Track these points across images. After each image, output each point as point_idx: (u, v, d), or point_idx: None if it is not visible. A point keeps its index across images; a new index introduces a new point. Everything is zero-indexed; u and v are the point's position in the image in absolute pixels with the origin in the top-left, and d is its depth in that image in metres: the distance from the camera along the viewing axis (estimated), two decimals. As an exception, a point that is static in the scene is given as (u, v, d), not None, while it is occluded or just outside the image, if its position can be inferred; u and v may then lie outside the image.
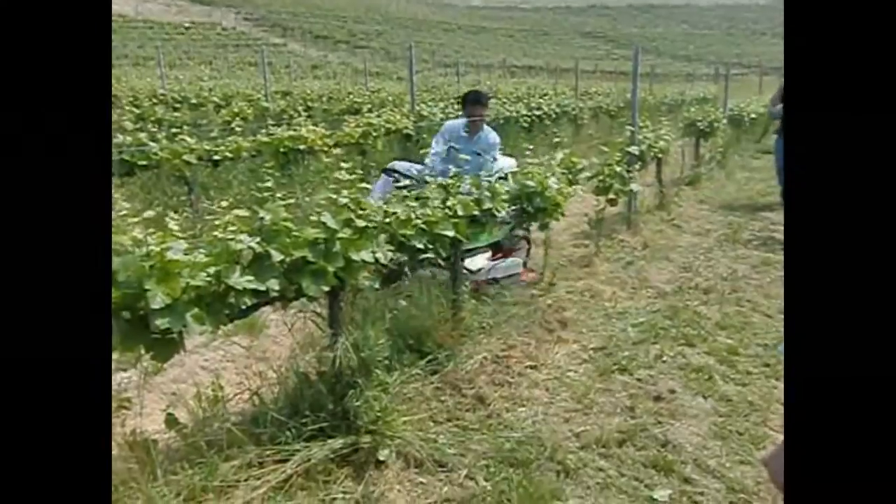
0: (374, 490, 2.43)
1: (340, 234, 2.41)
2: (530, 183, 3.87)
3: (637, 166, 5.48)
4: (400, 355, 3.16)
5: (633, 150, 5.45)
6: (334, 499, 2.38)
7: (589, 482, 2.51)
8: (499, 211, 3.53)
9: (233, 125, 6.95)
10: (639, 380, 3.32)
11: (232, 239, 2.09)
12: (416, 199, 3.14)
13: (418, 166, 4.42)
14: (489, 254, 4.54)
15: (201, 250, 2.02)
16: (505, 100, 11.77)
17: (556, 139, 6.45)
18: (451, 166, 3.78)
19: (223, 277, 2.02)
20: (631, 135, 5.66)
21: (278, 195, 2.46)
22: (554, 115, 10.85)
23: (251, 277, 2.11)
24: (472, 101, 4.78)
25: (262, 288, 2.15)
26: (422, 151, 4.48)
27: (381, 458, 2.54)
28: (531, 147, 4.79)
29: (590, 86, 18.84)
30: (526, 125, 9.74)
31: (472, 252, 4.27)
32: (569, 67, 24.74)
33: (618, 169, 5.09)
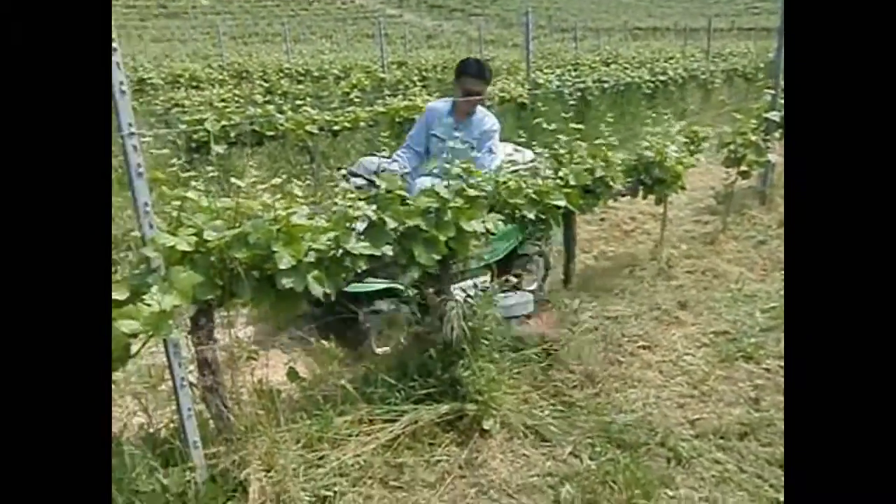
0: (477, 456, 2.47)
1: (452, 204, 2.42)
2: (648, 153, 3.66)
3: (777, 135, 4.98)
4: (509, 327, 3.17)
5: (774, 116, 4.93)
6: (438, 460, 2.44)
7: (703, 473, 2.39)
8: (613, 181, 3.37)
9: (351, 96, 7.18)
10: (766, 369, 3.08)
11: (350, 206, 2.17)
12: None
13: (386, 163, 3.29)
14: (486, 278, 3.36)
15: (322, 216, 2.11)
16: (626, 65, 11.19)
17: (683, 107, 6.03)
18: (423, 162, 2.96)
19: (341, 242, 2.11)
20: (772, 99, 5.13)
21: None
22: (680, 80, 10.14)
23: (367, 243, 2.17)
24: (466, 73, 3.40)
25: (377, 253, 2.22)
26: (535, 121, 4.19)
27: (486, 428, 2.57)
28: (653, 115, 4.48)
29: (724, 46, 17.39)
30: (648, 92, 9.20)
31: (463, 275, 3.15)
32: (700, 27, 22.97)
33: (753, 138, 4.66)
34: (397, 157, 3.45)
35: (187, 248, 1.70)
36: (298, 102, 5.71)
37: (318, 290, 2.04)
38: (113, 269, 1.69)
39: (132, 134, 1.68)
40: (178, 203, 1.79)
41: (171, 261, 1.74)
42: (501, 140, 3.68)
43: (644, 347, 3.31)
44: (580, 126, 3.51)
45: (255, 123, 4.97)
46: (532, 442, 2.59)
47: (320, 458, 2.30)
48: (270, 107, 5.43)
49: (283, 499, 2.08)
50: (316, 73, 11.20)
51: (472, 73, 3.41)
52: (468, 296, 3.00)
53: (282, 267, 1.88)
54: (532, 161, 3.53)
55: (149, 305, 1.60)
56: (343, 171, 3.25)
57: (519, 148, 3.86)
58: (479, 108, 3.54)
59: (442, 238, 2.38)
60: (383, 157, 3.37)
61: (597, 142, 3.45)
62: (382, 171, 3.08)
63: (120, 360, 1.66)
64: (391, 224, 2.26)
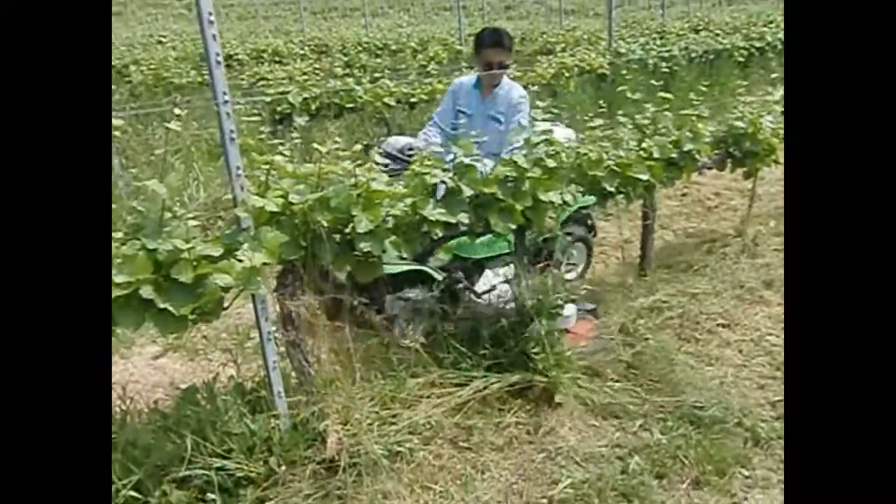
0: (545, 424, 2.50)
1: (530, 174, 2.41)
2: (739, 123, 3.48)
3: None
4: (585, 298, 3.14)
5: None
6: (507, 425, 2.49)
7: (783, 455, 2.31)
8: (699, 153, 3.23)
9: (428, 69, 7.20)
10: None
11: (427, 173, 2.21)
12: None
13: (413, 140, 3.20)
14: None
15: (400, 182, 2.16)
16: (718, 32, 10.56)
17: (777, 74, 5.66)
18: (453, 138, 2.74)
19: (418, 208, 2.16)
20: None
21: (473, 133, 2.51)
22: (778, 46, 9.46)
23: (443, 210, 2.21)
24: (487, 44, 3.23)
25: (453, 221, 2.26)
26: (620, 89, 4.02)
27: (556, 398, 2.58)
28: (745, 84, 4.23)
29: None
30: (742, 59, 8.63)
31: (490, 262, 3.04)
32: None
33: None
34: (424, 135, 3.31)
35: (275, 210, 1.80)
36: (377, 75, 5.80)
37: (394, 255, 2.11)
38: (204, 232, 1.81)
39: (226, 102, 1.78)
40: (266, 168, 1.88)
41: (259, 221, 1.85)
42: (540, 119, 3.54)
43: (723, 326, 3.20)
44: (668, 95, 3.35)
45: (335, 96, 5.10)
46: (601, 414, 2.59)
47: (393, 417, 2.40)
48: (350, 80, 5.55)
49: (358, 451, 2.19)
50: (394, 47, 11.29)
51: (489, 43, 3.22)
52: (492, 287, 2.94)
53: (360, 231, 1.95)
54: (570, 141, 3.19)
55: (241, 261, 1.72)
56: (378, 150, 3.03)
57: (557, 125, 3.49)
58: (506, 79, 3.34)
59: (518, 207, 2.39)
60: (411, 135, 3.25)
61: (684, 112, 3.31)
62: (409, 150, 3.00)
63: (213, 312, 1.79)
64: (467, 192, 2.29)
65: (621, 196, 2.94)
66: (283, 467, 2.06)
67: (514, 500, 2.17)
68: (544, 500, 2.16)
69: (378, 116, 5.22)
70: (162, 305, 1.63)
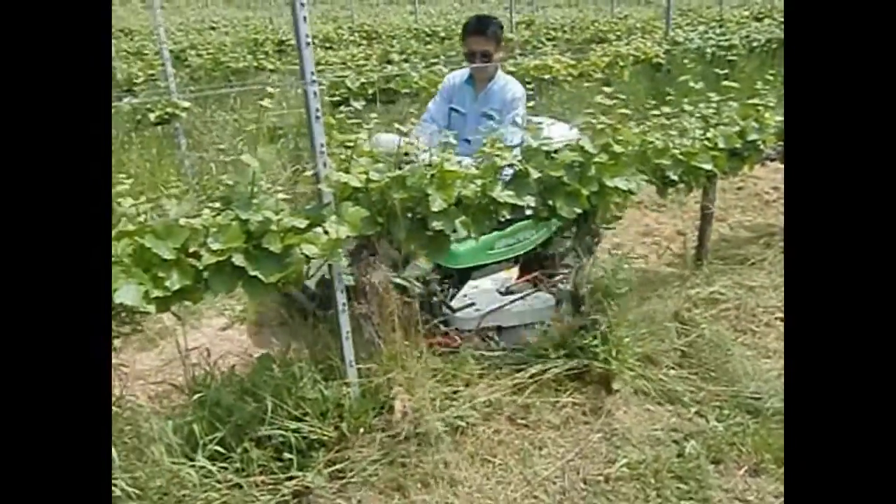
0: (601, 406, 2.54)
1: (597, 159, 2.44)
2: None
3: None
4: (634, 287, 3.16)
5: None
6: (564, 405, 2.54)
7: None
8: (764, 144, 3.18)
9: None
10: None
11: (498, 155, 2.27)
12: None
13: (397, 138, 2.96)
14: (511, 273, 2.93)
15: (472, 164, 2.23)
16: (781, 20, 10.24)
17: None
18: (446, 136, 2.51)
19: (488, 190, 2.22)
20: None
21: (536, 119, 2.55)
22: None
23: (511, 192, 2.27)
24: (470, 31, 3.03)
25: (521, 203, 2.31)
26: (681, 78, 3.97)
27: (613, 383, 2.62)
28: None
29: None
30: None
31: (481, 270, 2.79)
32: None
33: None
34: (416, 134, 2.93)
35: (358, 185, 1.89)
36: (433, 61, 5.86)
37: (462, 234, 2.18)
38: (284, 206, 1.91)
39: (314, 82, 1.87)
40: (350, 145, 1.97)
41: (340, 196, 1.94)
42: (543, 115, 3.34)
43: (781, 319, 3.17)
44: (734, 84, 3.30)
45: (391, 81, 5.19)
46: (657, 400, 2.62)
47: (454, 393, 2.48)
48: (406, 65, 5.63)
49: (422, 422, 2.28)
50: (443, 34, 11.31)
51: (472, 31, 3.02)
52: (469, 304, 2.65)
53: (434, 209, 2.02)
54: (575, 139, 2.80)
55: (326, 233, 1.81)
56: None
57: (553, 121, 3.31)
58: (501, 74, 3.15)
59: (584, 192, 2.42)
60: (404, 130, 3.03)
61: (750, 101, 3.27)
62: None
63: (296, 282, 1.90)
64: (535, 175, 2.33)
65: (683, 185, 2.94)
66: (353, 433, 2.17)
67: (571, 476, 2.23)
68: (601, 478, 2.22)
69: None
70: (252, 273, 1.74)
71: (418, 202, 2.06)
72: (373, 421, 2.23)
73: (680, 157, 2.73)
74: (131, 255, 1.65)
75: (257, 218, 1.75)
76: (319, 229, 1.87)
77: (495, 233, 2.64)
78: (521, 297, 2.77)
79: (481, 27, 3.02)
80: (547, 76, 5.69)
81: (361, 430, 2.20)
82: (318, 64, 7.09)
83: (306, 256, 1.81)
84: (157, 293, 1.64)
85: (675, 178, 2.74)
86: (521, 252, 2.89)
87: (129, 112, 4.94)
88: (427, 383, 2.41)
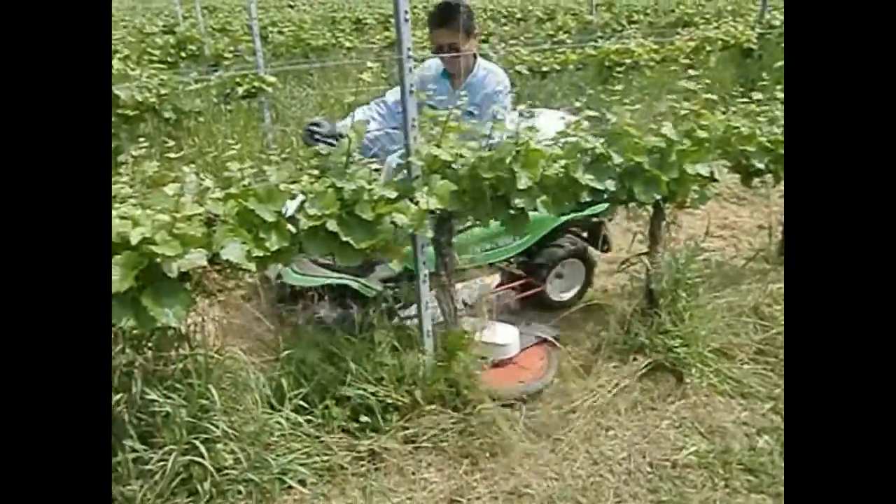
0: (670, 394, 2.53)
1: (679, 146, 2.41)
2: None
3: None
4: (710, 280, 3.10)
5: None
6: (632, 389, 2.55)
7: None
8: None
9: (556, 38, 7.12)
10: None
11: (581, 137, 2.27)
12: None
13: (342, 124, 2.65)
14: (490, 280, 2.77)
15: (556, 145, 2.25)
16: None
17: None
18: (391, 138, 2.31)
19: (571, 171, 2.23)
20: None
21: (626, 101, 2.54)
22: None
23: (592, 176, 2.28)
24: (434, 23, 2.77)
25: (600, 187, 2.31)
26: (776, 64, 3.76)
27: (684, 374, 2.60)
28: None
29: None
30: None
31: (459, 274, 2.51)
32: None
33: None
34: (360, 116, 2.75)
35: (448, 159, 1.95)
36: (511, 42, 5.84)
37: (543, 212, 2.21)
38: (377, 176, 1.99)
39: (409, 57, 1.94)
40: (441, 120, 2.03)
41: (430, 169, 2.01)
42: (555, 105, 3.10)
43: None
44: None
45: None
46: (729, 392, 2.58)
47: (523, 369, 2.54)
48: (485, 45, 5.64)
49: (492, 395, 2.35)
50: (519, 15, 11.20)
51: (436, 23, 2.71)
52: (464, 303, 2.51)
53: (520, 187, 2.06)
54: (560, 125, 2.56)
55: (416, 204, 1.89)
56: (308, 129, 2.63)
57: (543, 111, 3.04)
58: (481, 63, 2.84)
59: (664, 179, 2.40)
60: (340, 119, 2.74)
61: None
62: (337, 135, 2.52)
63: (384, 249, 1.98)
64: (616, 159, 2.33)
65: (770, 175, 2.85)
66: (426, 401, 2.26)
67: (637, 459, 2.24)
68: (667, 463, 2.22)
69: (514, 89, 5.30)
70: (344, 239, 1.84)
71: (502, 180, 2.10)
72: (446, 390, 2.31)
73: (768, 144, 2.65)
74: (236, 215, 1.77)
75: (351, 186, 1.84)
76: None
77: (466, 234, 2.48)
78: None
79: (444, 19, 2.72)
80: (628, 60, 5.56)
81: (434, 398, 2.29)
82: (392, 43, 7.19)
83: (395, 225, 1.89)
84: (257, 252, 1.76)
85: (762, 166, 2.66)
86: (499, 259, 2.74)
87: (219, 85, 5.17)
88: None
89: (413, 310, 2.44)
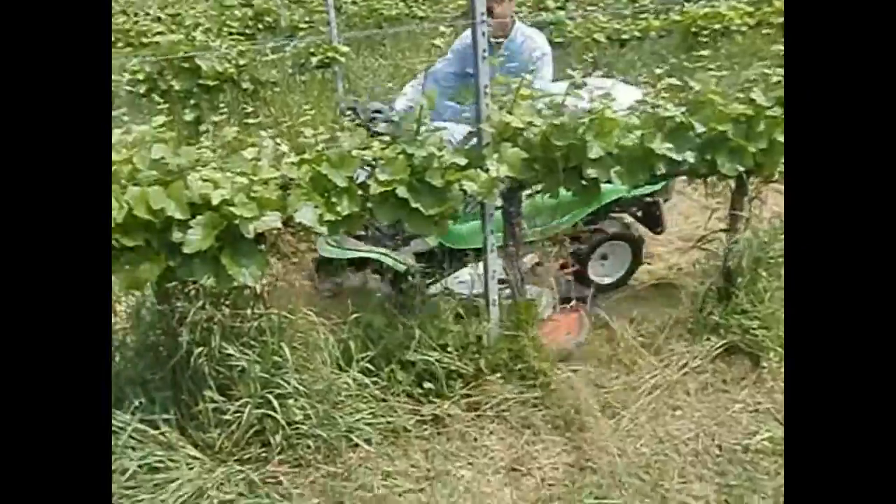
0: (744, 377, 2.43)
1: (769, 112, 2.26)
2: None
3: None
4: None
5: None
6: (703, 370, 2.46)
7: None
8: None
9: (638, 4, 6.80)
10: None
11: (660, 106, 2.17)
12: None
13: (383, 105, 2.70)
14: (530, 259, 2.70)
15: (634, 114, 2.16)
16: None
17: None
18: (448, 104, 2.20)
19: (647, 142, 2.14)
20: None
21: (711, 68, 2.40)
22: None
23: (670, 146, 2.18)
24: None
25: (679, 158, 2.21)
26: None
27: (761, 358, 2.49)
28: None
29: None
30: None
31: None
32: None
33: None
34: (410, 93, 2.76)
35: (520, 126, 1.92)
36: (589, 8, 5.64)
37: (618, 184, 2.14)
38: (447, 144, 1.98)
39: (483, 21, 1.90)
40: (514, 87, 1.99)
41: (501, 137, 1.98)
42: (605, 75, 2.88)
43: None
44: None
45: (544, 29, 5.06)
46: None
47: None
48: (561, 12, 5.47)
49: (556, 369, 2.33)
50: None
51: None
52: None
53: (591, 156, 2.00)
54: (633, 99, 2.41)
55: (486, 172, 1.87)
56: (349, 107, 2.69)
57: (617, 82, 2.85)
58: (520, 27, 2.72)
59: (751, 149, 2.26)
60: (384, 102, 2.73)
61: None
62: (376, 112, 2.53)
63: (452, 217, 1.98)
64: (699, 128, 2.22)
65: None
66: (490, 369, 2.27)
67: (705, 441, 2.17)
68: (738, 447, 2.14)
69: (586, 54, 5.11)
70: (414, 205, 1.85)
71: (575, 150, 2.05)
72: (509, 361, 2.31)
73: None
74: (310, 180, 1.81)
75: (422, 153, 1.84)
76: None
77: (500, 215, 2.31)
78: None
79: None
80: (717, 25, 5.24)
81: (498, 367, 2.30)
82: (465, 12, 7.08)
83: (465, 193, 1.88)
84: (329, 217, 1.80)
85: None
86: (537, 238, 2.60)
87: (294, 55, 5.27)
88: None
89: (446, 283, 2.43)
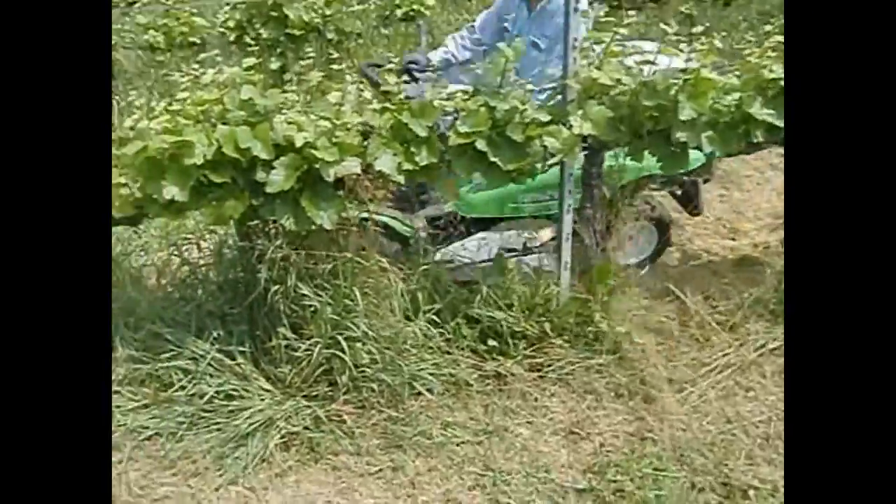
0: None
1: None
2: None
3: None
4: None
5: None
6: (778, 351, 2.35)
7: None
8: None
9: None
10: None
11: (765, 67, 2.02)
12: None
13: (421, 56, 2.52)
14: (542, 234, 2.56)
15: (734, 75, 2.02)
16: None
17: None
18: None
19: (745, 106, 2.01)
20: None
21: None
22: None
23: (772, 111, 2.03)
24: None
25: (779, 124, 2.06)
26: None
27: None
28: None
29: None
30: None
31: (506, 223, 2.48)
32: None
33: None
34: (451, 45, 2.64)
35: (608, 83, 1.84)
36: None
37: (707, 149, 2.03)
38: (530, 98, 1.92)
39: (577, -28, 1.81)
40: (606, 43, 1.90)
41: (587, 94, 1.91)
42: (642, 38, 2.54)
43: None
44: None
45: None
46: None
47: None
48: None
49: (624, 338, 2.28)
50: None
51: None
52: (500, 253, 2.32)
53: (682, 118, 1.89)
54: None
55: (569, 128, 1.81)
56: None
57: (648, 43, 2.46)
58: None
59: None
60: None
61: None
62: (411, 63, 2.37)
63: (529, 173, 1.95)
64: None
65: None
66: (555, 333, 2.25)
67: (777, 425, 2.08)
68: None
69: (683, 11, 4.81)
70: (492, 159, 1.82)
71: (664, 111, 1.95)
72: (576, 326, 2.28)
73: None
74: (390, 128, 1.82)
75: (504, 106, 1.80)
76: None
77: (515, 185, 2.19)
78: (519, 256, 2.46)
79: None
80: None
81: (564, 331, 2.27)
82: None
83: (545, 149, 1.84)
84: (407, 165, 1.80)
85: None
86: (548, 213, 2.47)
87: (379, 7, 5.26)
88: (630, 302, 2.38)
89: (454, 248, 2.38)
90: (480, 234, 2.48)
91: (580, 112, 1.85)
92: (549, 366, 2.23)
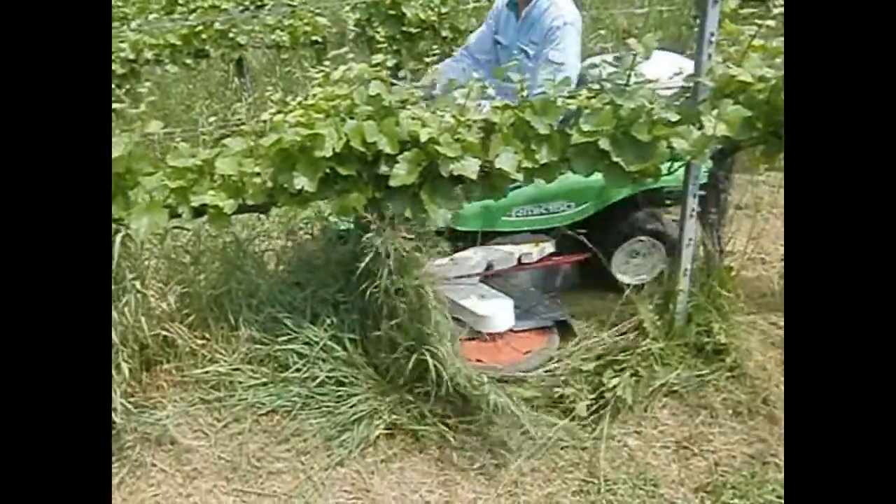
0: None
1: None
2: None
3: None
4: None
5: None
6: None
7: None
8: None
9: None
10: None
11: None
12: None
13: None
14: (536, 249, 2.39)
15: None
16: None
17: None
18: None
19: None
20: None
21: None
22: None
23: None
24: None
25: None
26: None
27: None
28: None
29: None
30: None
31: (502, 238, 2.37)
32: None
33: None
34: (447, 66, 2.67)
35: (748, 80, 1.72)
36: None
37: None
38: (659, 97, 1.83)
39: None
40: (742, 38, 1.79)
41: (722, 92, 1.80)
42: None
43: None
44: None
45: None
46: None
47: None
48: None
49: (744, 354, 2.14)
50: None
51: None
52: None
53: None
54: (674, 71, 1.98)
55: (700, 129, 1.72)
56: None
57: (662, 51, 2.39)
58: None
59: None
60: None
61: None
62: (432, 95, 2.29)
63: (652, 175, 1.87)
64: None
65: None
66: (666, 339, 2.14)
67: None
68: None
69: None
70: (615, 158, 1.76)
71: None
72: (694, 335, 2.16)
73: None
74: (511, 126, 1.81)
75: (631, 105, 1.74)
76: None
77: (513, 194, 2.12)
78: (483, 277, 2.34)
79: None
80: None
81: (676, 340, 2.16)
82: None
83: (672, 150, 1.75)
84: (527, 164, 1.79)
85: None
86: (550, 226, 2.37)
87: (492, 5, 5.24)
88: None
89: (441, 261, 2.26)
90: (470, 250, 2.40)
91: (714, 112, 1.74)
92: (655, 378, 2.13)
